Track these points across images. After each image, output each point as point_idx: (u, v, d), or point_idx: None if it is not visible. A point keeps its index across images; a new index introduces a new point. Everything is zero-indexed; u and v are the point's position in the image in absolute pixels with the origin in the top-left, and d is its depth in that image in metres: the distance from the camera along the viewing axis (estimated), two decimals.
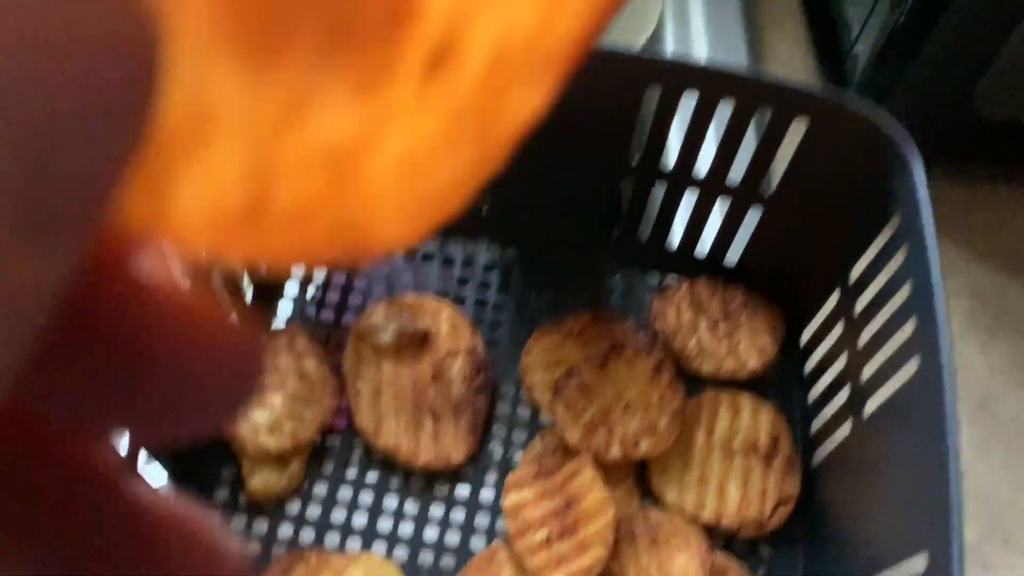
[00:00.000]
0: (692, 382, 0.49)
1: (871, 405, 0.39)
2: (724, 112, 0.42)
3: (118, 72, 0.08)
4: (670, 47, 0.68)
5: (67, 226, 0.08)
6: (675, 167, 0.46)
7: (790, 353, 0.50)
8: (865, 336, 0.41)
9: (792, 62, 0.69)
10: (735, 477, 0.46)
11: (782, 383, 0.49)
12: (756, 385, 0.49)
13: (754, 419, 0.48)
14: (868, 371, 0.40)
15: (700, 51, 0.68)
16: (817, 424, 0.46)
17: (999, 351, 0.55)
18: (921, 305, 0.35)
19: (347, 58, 0.12)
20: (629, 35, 0.66)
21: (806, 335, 0.49)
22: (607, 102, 0.43)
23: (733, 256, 0.50)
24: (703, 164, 0.46)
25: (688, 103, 0.42)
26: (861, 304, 0.42)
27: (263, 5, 0.11)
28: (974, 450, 0.52)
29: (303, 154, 0.12)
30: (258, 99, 0.12)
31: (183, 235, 0.11)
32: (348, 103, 0.11)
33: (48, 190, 0.08)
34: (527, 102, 0.13)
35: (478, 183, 0.13)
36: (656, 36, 0.69)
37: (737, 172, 0.45)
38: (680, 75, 0.40)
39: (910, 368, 0.36)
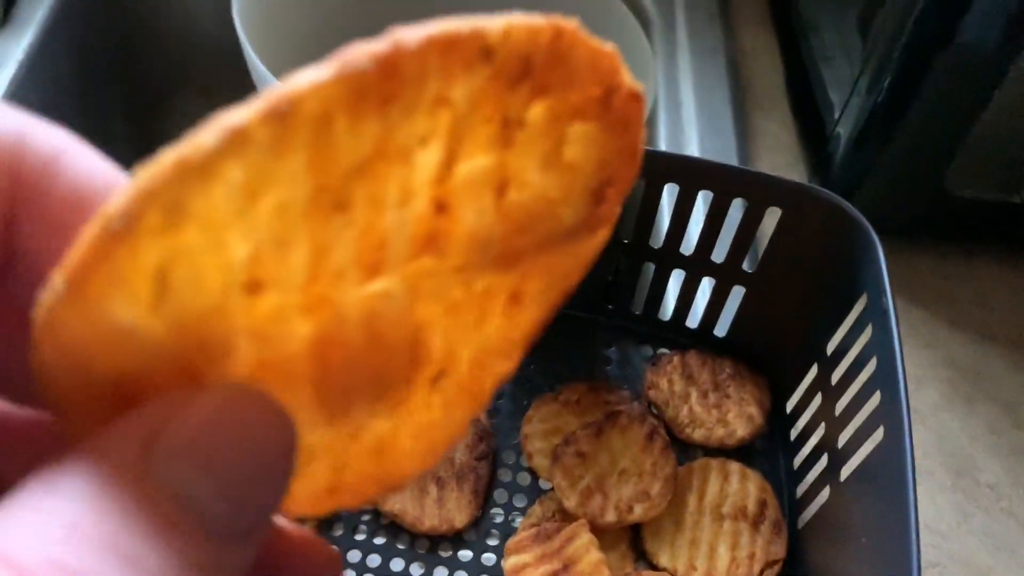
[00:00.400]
0: (684, 449, 0.52)
1: (846, 471, 0.42)
2: (707, 197, 0.46)
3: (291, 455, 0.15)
4: (662, 128, 0.72)
5: (263, 534, 0.15)
6: (663, 247, 0.49)
7: (776, 421, 0.53)
8: (840, 406, 0.44)
9: (779, 142, 0.73)
10: (725, 540, 0.49)
11: (769, 450, 0.52)
12: (745, 451, 0.52)
13: (742, 485, 0.50)
14: (843, 439, 0.43)
15: (691, 131, 0.72)
16: (801, 488, 0.49)
17: (978, 419, 0.58)
18: (885, 380, 0.38)
19: (383, 404, 0.19)
20: None
21: (790, 404, 0.52)
22: None
23: (722, 329, 0.54)
24: (689, 244, 0.49)
25: (674, 189, 0.46)
26: (836, 376, 0.45)
27: (339, 396, 0.18)
28: (955, 515, 0.54)
29: (360, 453, 0.20)
30: (335, 436, 0.19)
31: (295, 508, 0.19)
32: (386, 417, 0.20)
33: (262, 521, 0.15)
34: (501, 369, 0.21)
35: (469, 422, 0.22)
36: (650, 119, 0.73)
37: (720, 253, 0.49)
38: (662, 168, 0.44)
39: (877, 437, 0.39)
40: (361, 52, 0.14)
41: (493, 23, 0.15)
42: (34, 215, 0.17)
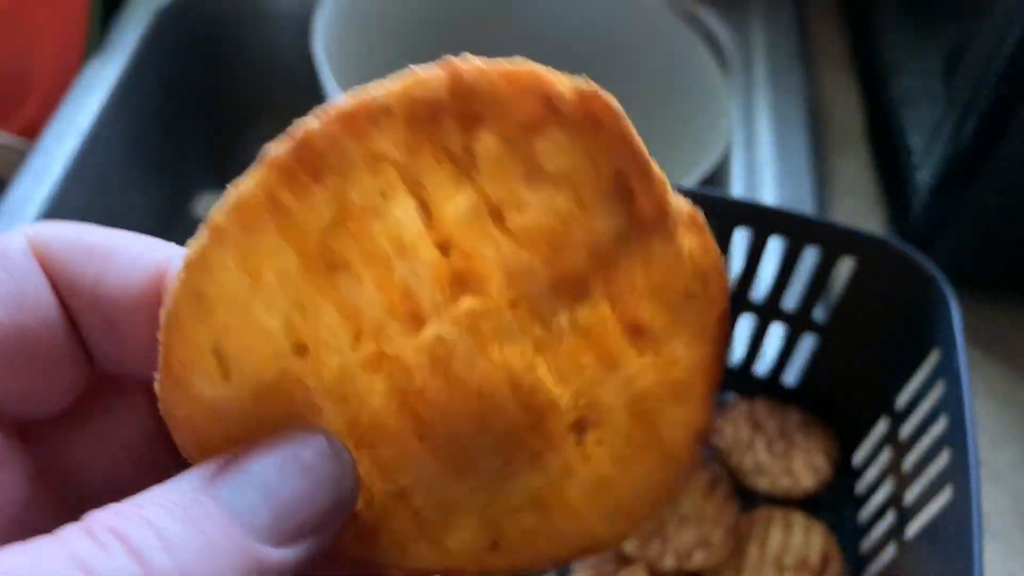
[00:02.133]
0: (747, 498, 0.51)
1: (911, 529, 0.41)
2: (779, 244, 0.45)
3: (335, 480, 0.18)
4: (737, 169, 0.71)
5: (308, 548, 0.17)
6: (733, 292, 0.49)
7: (843, 474, 0.51)
8: (908, 462, 0.43)
9: (857, 187, 0.72)
10: None
11: (835, 503, 0.51)
12: (810, 503, 0.51)
13: (806, 537, 0.49)
14: (910, 496, 0.42)
15: (767, 173, 0.71)
16: (866, 544, 0.48)
17: None
18: (955, 438, 0.37)
19: (517, 455, 0.19)
20: (698, 156, 0.69)
21: (858, 457, 0.51)
22: None
23: (790, 378, 0.53)
24: (760, 290, 0.49)
25: (745, 235, 0.45)
26: (905, 431, 0.44)
27: (454, 448, 0.19)
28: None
29: (513, 508, 0.20)
30: (474, 490, 0.19)
31: (455, 563, 0.20)
32: (530, 474, 0.19)
33: (304, 535, 0.17)
34: (687, 417, 0.20)
35: (674, 481, 0.20)
36: (724, 160, 0.72)
37: (791, 300, 0.48)
38: (734, 213, 0.43)
39: (945, 496, 0.38)
40: (280, 141, 0.17)
41: (380, 88, 0.17)
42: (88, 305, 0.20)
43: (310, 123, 0.17)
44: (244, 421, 0.18)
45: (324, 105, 0.17)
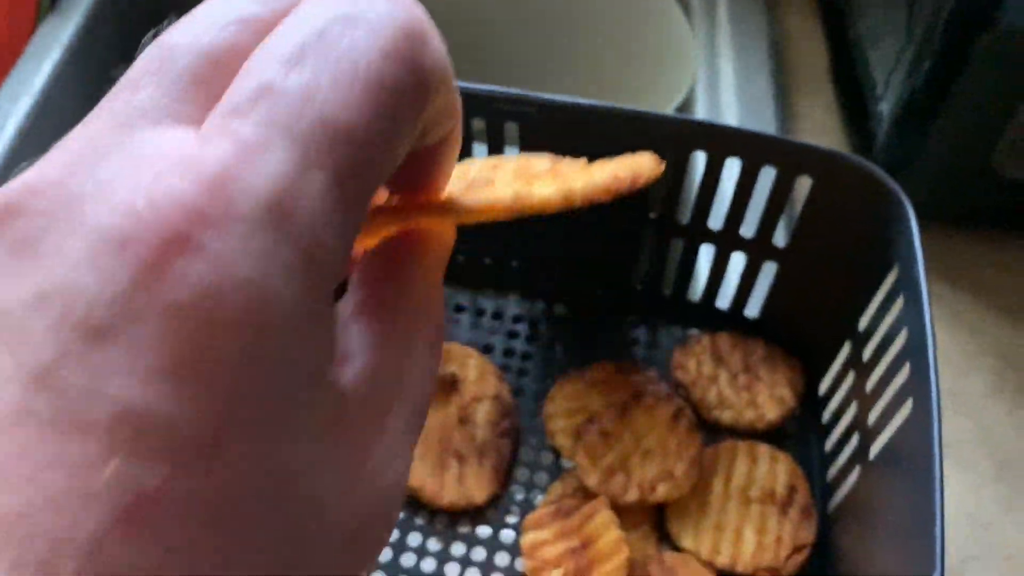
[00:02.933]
0: (712, 432, 0.50)
1: (875, 449, 0.40)
2: (736, 168, 0.45)
3: None
4: (700, 111, 0.70)
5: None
6: (691, 221, 0.48)
7: (808, 404, 0.51)
8: (870, 383, 0.42)
9: (822, 126, 0.71)
10: (751, 524, 0.47)
11: (801, 433, 0.50)
12: (776, 435, 0.50)
13: (771, 468, 0.49)
14: (873, 416, 0.41)
15: (730, 115, 0.70)
16: (832, 472, 0.47)
17: None
18: (915, 351, 0.37)
19: None
20: (661, 99, 0.68)
21: (823, 386, 0.50)
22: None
23: (753, 310, 0.52)
24: (719, 218, 0.48)
25: (701, 160, 0.44)
26: (867, 352, 0.43)
27: None
28: (998, 507, 0.52)
29: None
30: None
31: None
32: None
33: None
34: None
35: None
36: (688, 100, 0.71)
37: (750, 227, 0.47)
38: (687, 136, 0.43)
39: (905, 411, 0.37)
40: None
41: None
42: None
43: None
44: None
45: None
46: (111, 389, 0.12)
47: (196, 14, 0.16)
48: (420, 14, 0.16)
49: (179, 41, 0.16)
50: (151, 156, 0.14)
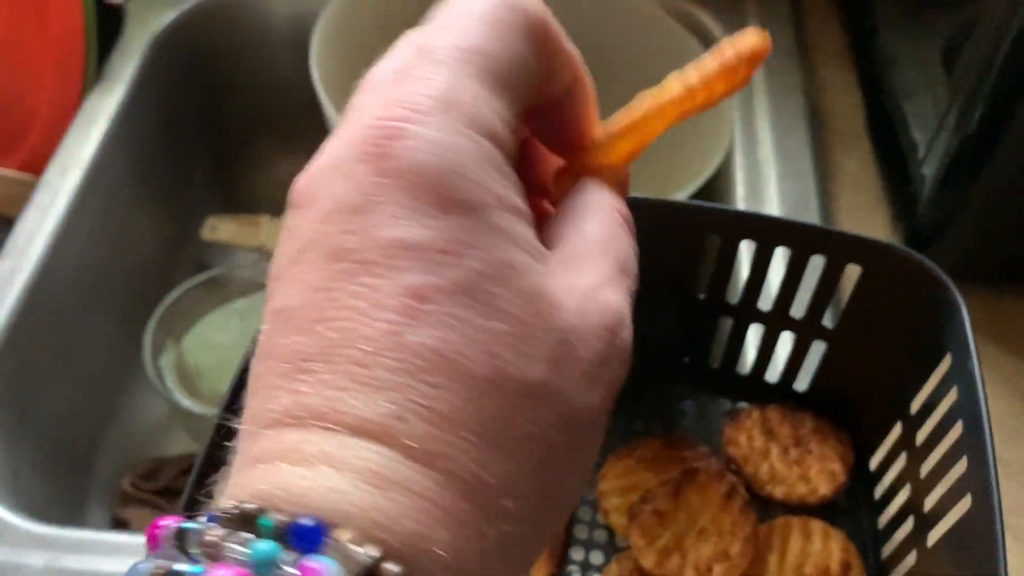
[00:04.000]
0: (764, 506, 0.51)
1: (933, 536, 0.41)
2: (785, 253, 0.45)
3: None
4: (739, 171, 0.71)
5: None
6: (740, 302, 0.49)
7: (860, 479, 0.51)
8: (925, 468, 0.42)
9: (860, 181, 0.72)
10: None
11: (853, 509, 0.51)
12: (827, 510, 0.51)
13: (825, 544, 0.49)
14: (929, 503, 0.41)
15: (769, 171, 0.71)
16: (887, 549, 0.47)
17: None
18: (972, 445, 0.37)
19: None
20: (701, 157, 0.69)
21: (874, 462, 0.50)
22: (675, 245, 0.46)
23: (802, 384, 0.53)
24: (768, 299, 0.48)
25: (750, 246, 0.45)
26: (921, 436, 0.43)
27: None
28: None
29: None
30: None
31: None
32: None
33: None
34: None
35: None
36: (726, 162, 0.72)
37: (799, 308, 0.48)
38: (737, 226, 0.43)
39: (964, 504, 0.37)
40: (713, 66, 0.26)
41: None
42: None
43: None
44: None
45: None
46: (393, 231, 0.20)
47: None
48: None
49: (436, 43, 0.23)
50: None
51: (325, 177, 0.21)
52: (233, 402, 0.37)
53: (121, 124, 0.80)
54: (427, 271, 0.20)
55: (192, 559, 0.18)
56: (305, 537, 0.17)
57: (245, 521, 0.18)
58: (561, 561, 0.49)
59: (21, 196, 0.74)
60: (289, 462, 0.19)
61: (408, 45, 0.23)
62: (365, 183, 0.20)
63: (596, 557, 0.50)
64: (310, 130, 0.93)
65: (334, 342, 0.19)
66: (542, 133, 0.28)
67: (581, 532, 0.50)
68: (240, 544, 0.17)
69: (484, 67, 0.22)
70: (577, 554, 0.50)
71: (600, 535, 0.50)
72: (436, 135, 0.20)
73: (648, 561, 0.47)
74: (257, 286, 0.85)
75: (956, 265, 0.43)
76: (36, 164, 0.77)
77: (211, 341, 0.83)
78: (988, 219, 0.61)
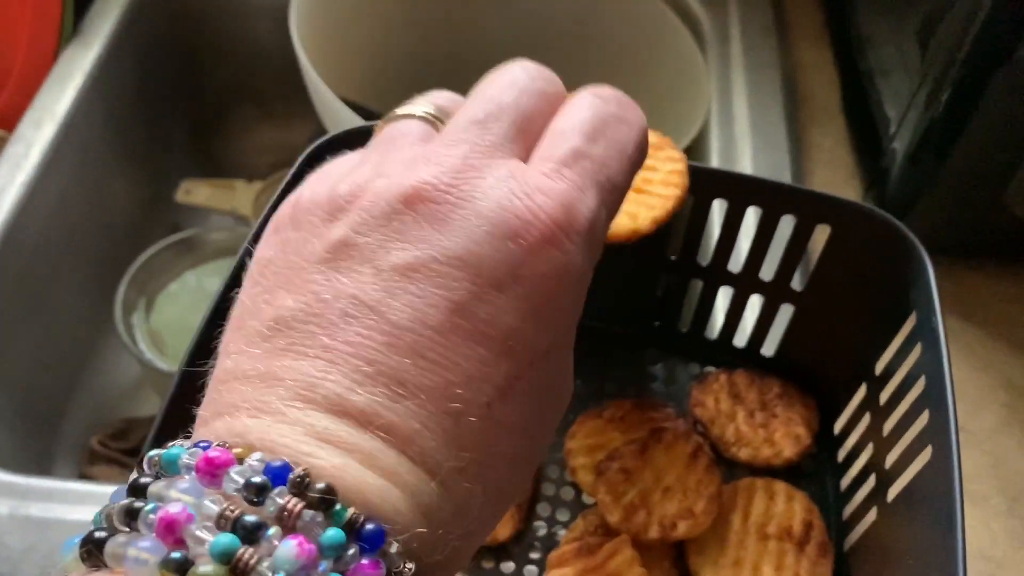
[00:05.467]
0: (729, 468, 0.51)
1: (892, 492, 0.41)
2: (757, 214, 0.46)
3: None
4: (715, 142, 0.72)
5: None
6: (711, 264, 0.49)
7: (824, 442, 0.52)
8: (888, 426, 0.43)
9: (834, 157, 0.72)
10: (769, 561, 0.48)
11: (817, 471, 0.51)
12: (792, 472, 0.51)
13: (788, 505, 0.50)
14: (890, 459, 0.42)
15: (744, 145, 0.72)
16: (848, 510, 0.48)
17: None
18: (934, 398, 0.38)
19: None
20: (677, 131, 0.69)
21: (839, 425, 0.51)
22: None
23: (770, 348, 0.53)
24: (738, 261, 0.49)
25: (723, 205, 0.46)
26: (884, 396, 0.44)
27: None
28: (1010, 542, 0.53)
29: None
30: None
31: None
32: None
33: None
34: None
35: None
36: (703, 131, 0.73)
37: (769, 270, 0.48)
38: (711, 184, 0.44)
39: (924, 457, 0.38)
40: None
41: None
42: None
43: None
44: None
45: None
46: (505, 319, 0.22)
47: (507, 78, 0.27)
48: (645, 119, 0.28)
49: (505, 100, 0.25)
50: (513, 177, 0.23)
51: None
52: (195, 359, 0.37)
53: (97, 81, 0.79)
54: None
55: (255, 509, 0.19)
56: (370, 540, 0.19)
57: (322, 502, 0.19)
58: (528, 516, 0.50)
59: None
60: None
61: None
62: None
63: (563, 514, 0.50)
64: (287, 96, 0.93)
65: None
66: None
67: (548, 489, 0.51)
68: (312, 522, 0.19)
69: (615, 202, 0.27)
70: (544, 510, 0.50)
71: (567, 492, 0.51)
72: (576, 257, 0.24)
73: (614, 517, 0.48)
74: (230, 250, 0.85)
75: (924, 239, 0.43)
76: (9, 120, 0.76)
77: (183, 303, 0.82)
78: (955, 195, 0.62)
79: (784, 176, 0.69)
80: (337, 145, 0.46)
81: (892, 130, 0.65)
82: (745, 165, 0.69)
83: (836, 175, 0.71)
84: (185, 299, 0.82)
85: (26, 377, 0.72)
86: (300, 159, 0.44)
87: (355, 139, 0.46)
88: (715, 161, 0.70)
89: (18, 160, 0.71)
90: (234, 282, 0.42)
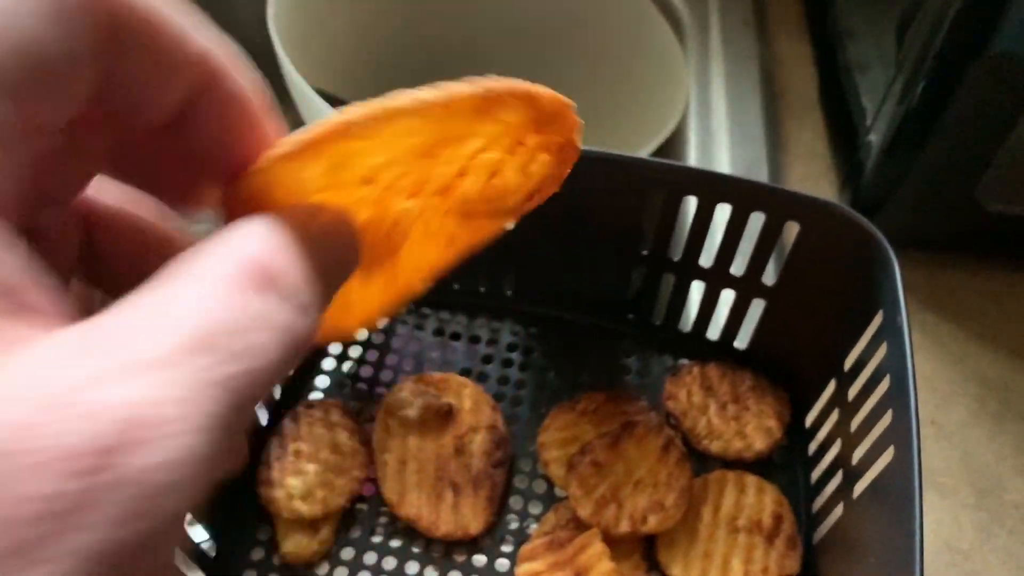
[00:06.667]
0: (701, 461, 0.52)
1: (859, 488, 0.42)
2: (726, 211, 0.46)
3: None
4: (693, 135, 0.72)
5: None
6: (682, 258, 0.49)
7: (796, 434, 0.52)
8: (855, 423, 0.43)
9: (811, 151, 0.73)
10: (738, 554, 0.49)
11: (788, 464, 0.52)
12: (763, 465, 0.52)
13: (759, 498, 0.50)
14: (856, 456, 0.43)
15: (722, 138, 0.72)
16: (818, 503, 0.48)
17: (1006, 437, 0.57)
18: (897, 400, 0.38)
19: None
20: (655, 123, 0.69)
21: (810, 418, 0.52)
22: (620, 200, 0.47)
23: (742, 342, 0.54)
24: (710, 256, 0.49)
25: (693, 202, 0.46)
26: (852, 392, 0.44)
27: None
28: (978, 534, 0.53)
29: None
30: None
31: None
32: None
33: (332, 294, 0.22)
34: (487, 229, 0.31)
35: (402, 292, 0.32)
36: (681, 124, 0.73)
37: (740, 266, 0.48)
38: (682, 180, 0.44)
39: (888, 456, 0.38)
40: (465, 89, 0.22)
41: (543, 90, 0.24)
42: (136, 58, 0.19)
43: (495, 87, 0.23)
44: (300, 194, 0.22)
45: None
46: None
47: None
48: None
49: None
50: None
51: None
52: None
53: None
54: None
55: None
56: None
57: None
58: (500, 510, 0.50)
59: None
60: None
61: None
62: None
63: (534, 507, 0.50)
64: (267, 83, 0.92)
65: None
66: (181, 150, 0.22)
67: (520, 482, 0.51)
68: None
69: None
70: (516, 503, 0.50)
71: (539, 485, 0.51)
72: None
73: (585, 511, 0.48)
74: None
75: (898, 233, 0.44)
76: None
77: None
78: (929, 189, 0.62)
79: (761, 169, 0.69)
80: None
81: (868, 123, 0.66)
82: (722, 158, 0.70)
83: (813, 168, 0.71)
84: None
85: None
86: None
87: None
88: (692, 154, 0.70)
89: None
90: None
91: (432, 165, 0.25)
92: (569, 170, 0.28)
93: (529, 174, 0.28)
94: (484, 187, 0.27)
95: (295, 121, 0.66)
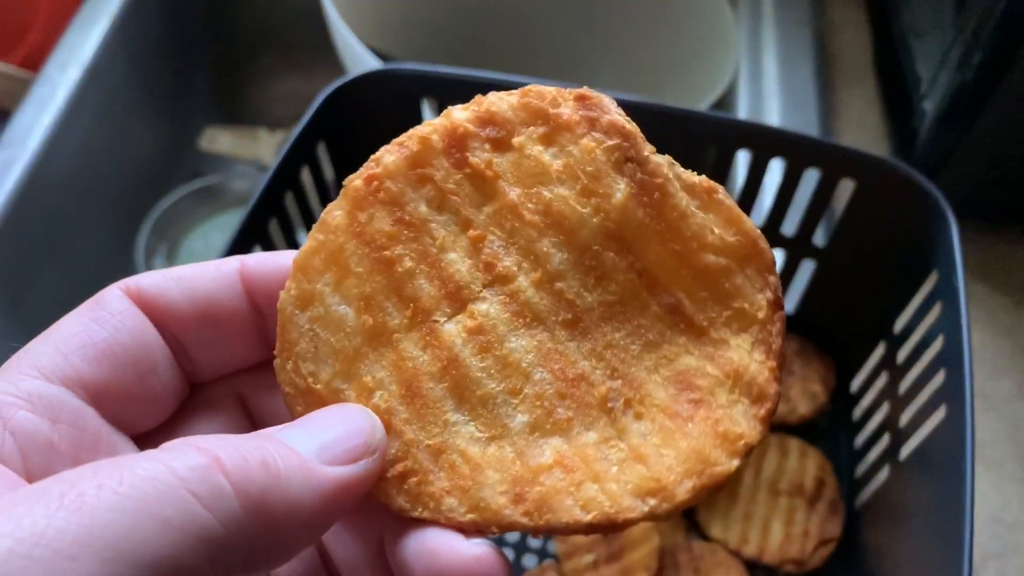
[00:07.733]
0: None
1: (905, 450, 0.41)
2: (777, 172, 0.45)
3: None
4: (743, 99, 0.71)
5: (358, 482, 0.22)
6: None
7: (840, 400, 0.52)
8: (904, 385, 0.43)
9: (863, 119, 0.71)
10: (779, 516, 0.48)
11: (831, 429, 0.51)
12: (807, 429, 0.51)
13: (801, 462, 0.50)
14: (905, 418, 0.42)
15: (772, 104, 0.71)
16: (861, 469, 0.48)
17: None
18: (951, 358, 0.37)
19: (544, 420, 0.22)
20: (703, 88, 0.69)
21: (856, 384, 0.51)
22: (672, 155, 0.46)
23: (790, 306, 0.53)
24: (760, 215, 0.48)
25: (746, 157, 0.45)
26: (902, 355, 0.44)
27: (482, 408, 0.22)
28: (1023, 507, 0.52)
29: (539, 471, 0.22)
30: (501, 453, 0.22)
31: (482, 518, 0.21)
32: (559, 437, 0.22)
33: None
34: (738, 399, 0.22)
35: (717, 466, 0.21)
36: (731, 90, 0.72)
37: (791, 225, 0.48)
38: (735, 134, 0.43)
39: (939, 416, 0.38)
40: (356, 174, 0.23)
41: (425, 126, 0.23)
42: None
43: (381, 158, 0.23)
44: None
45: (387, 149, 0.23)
46: None
47: None
48: None
49: None
50: None
51: None
52: None
53: (123, 25, 0.79)
54: None
55: None
56: None
57: None
58: None
59: (20, 92, 0.73)
60: None
61: None
62: None
63: None
64: (313, 45, 0.92)
65: None
66: None
67: None
68: None
69: None
70: None
71: None
72: None
73: None
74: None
75: (951, 203, 0.43)
76: (35, 61, 0.76)
77: (204, 249, 0.83)
78: (985, 159, 0.60)
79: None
80: (354, 88, 0.45)
81: (923, 91, 0.64)
82: (773, 123, 0.68)
83: (865, 136, 0.70)
84: (206, 246, 0.83)
85: (49, 317, 0.72)
86: (318, 100, 0.44)
87: (370, 82, 0.46)
88: (742, 117, 0.69)
89: (43, 101, 0.71)
90: (245, 229, 0.42)
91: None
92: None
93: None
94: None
95: (338, 71, 0.66)
